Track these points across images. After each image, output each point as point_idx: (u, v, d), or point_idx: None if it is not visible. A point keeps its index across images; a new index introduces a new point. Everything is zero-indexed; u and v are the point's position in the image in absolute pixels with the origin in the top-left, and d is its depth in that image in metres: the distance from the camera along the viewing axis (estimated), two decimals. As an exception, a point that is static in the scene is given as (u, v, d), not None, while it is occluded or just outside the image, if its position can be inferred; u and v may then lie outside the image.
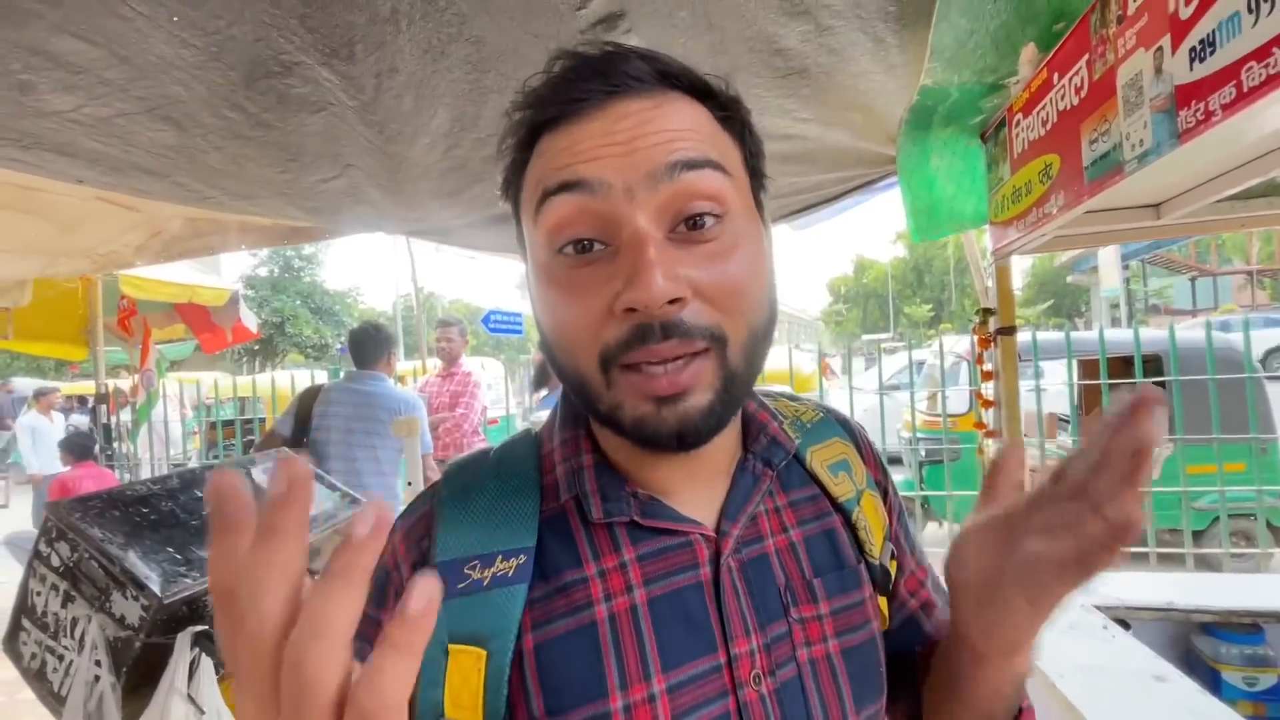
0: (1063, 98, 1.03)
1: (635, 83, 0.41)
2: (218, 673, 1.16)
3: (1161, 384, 3.52)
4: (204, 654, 1.14)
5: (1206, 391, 3.38)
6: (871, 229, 37.43)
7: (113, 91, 1.09)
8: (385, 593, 0.45)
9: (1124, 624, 1.25)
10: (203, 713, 1.11)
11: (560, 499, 0.46)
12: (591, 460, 0.46)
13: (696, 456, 0.45)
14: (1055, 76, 1.06)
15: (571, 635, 0.42)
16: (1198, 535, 3.80)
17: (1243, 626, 1.23)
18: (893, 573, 0.55)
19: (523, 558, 0.43)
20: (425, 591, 0.22)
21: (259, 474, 1.63)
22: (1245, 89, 0.64)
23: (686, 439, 0.40)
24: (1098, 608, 1.28)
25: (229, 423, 4.89)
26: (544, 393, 3.18)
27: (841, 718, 0.45)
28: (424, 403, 3.57)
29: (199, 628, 1.16)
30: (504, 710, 0.41)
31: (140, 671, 1.14)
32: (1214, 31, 0.68)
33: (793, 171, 1.94)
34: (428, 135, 1.37)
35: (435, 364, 4.03)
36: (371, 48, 1.02)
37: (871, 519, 0.53)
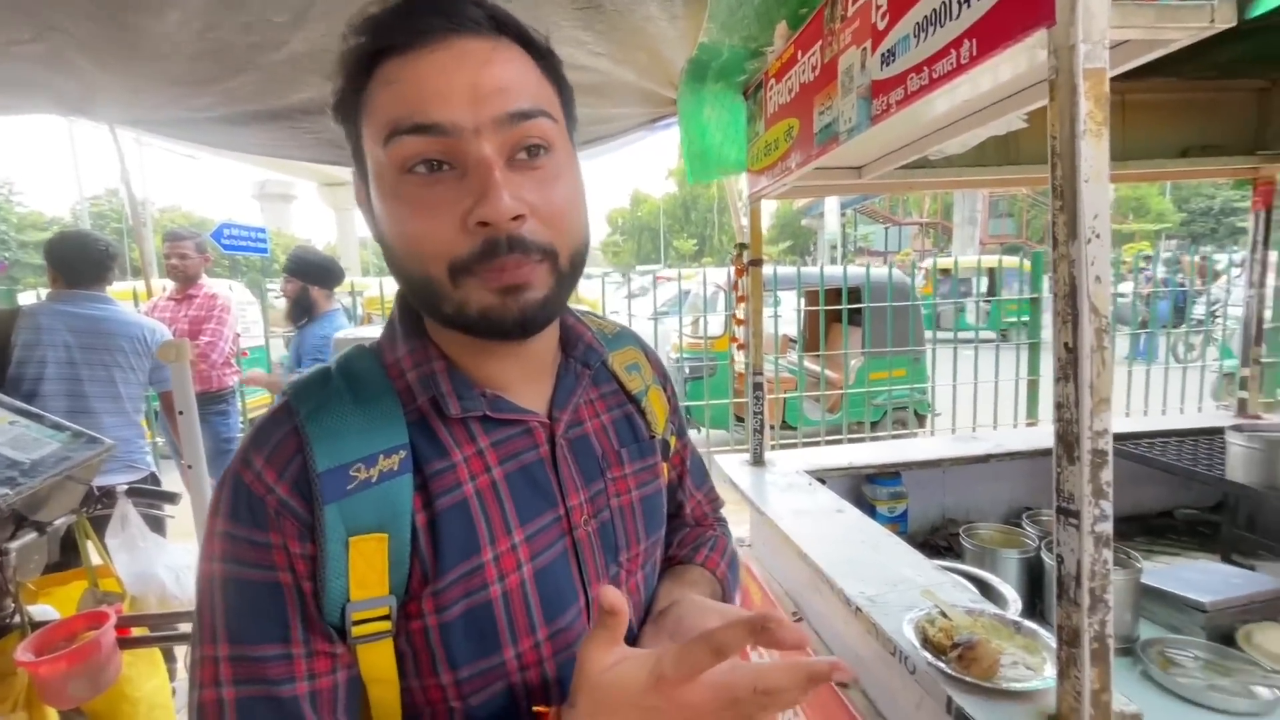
0: (803, 72, 1.29)
1: (473, 24, 0.47)
2: None
3: (859, 309, 4.49)
4: None
5: (886, 315, 4.42)
6: (646, 165, 38.95)
7: None
8: (262, 515, 0.47)
9: (823, 480, 1.70)
10: None
11: (417, 400, 0.53)
12: (444, 365, 0.54)
13: (529, 356, 0.58)
14: (799, 53, 1.31)
15: (449, 511, 0.51)
16: (874, 424, 5.03)
17: (889, 474, 1.76)
18: (673, 446, 0.76)
19: (402, 453, 0.50)
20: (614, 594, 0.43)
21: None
22: (909, 91, 0.92)
23: (527, 326, 0.49)
24: (807, 471, 1.72)
25: None
26: (304, 322, 2.89)
27: (638, 543, 0.64)
28: None
29: None
30: (405, 579, 0.49)
31: None
32: (896, 44, 0.95)
33: (585, 103, 2.02)
34: (179, 8, 1.16)
35: (164, 286, 3.37)
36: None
37: (656, 406, 0.72)
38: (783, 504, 1.50)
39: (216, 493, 0.50)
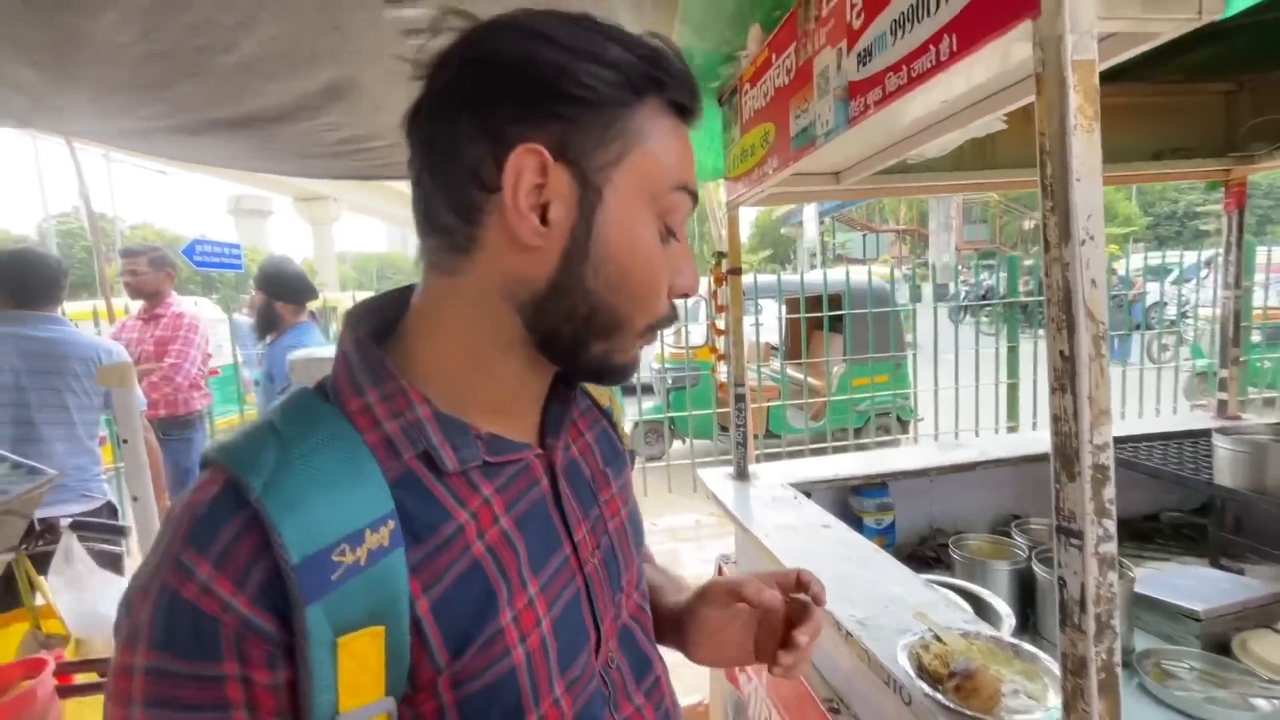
0: (778, 76, 1.26)
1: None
2: None
3: (839, 316, 4.49)
4: None
5: (867, 321, 4.42)
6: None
7: None
8: (214, 643, 0.37)
9: (808, 493, 1.65)
10: None
11: (401, 456, 0.45)
12: (429, 411, 0.46)
13: (542, 376, 0.54)
14: (774, 56, 1.27)
15: (461, 579, 0.44)
16: (858, 430, 5.02)
17: (875, 485, 1.72)
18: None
19: (391, 523, 0.42)
20: None
21: None
22: (888, 91, 0.88)
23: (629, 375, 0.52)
24: (791, 484, 1.67)
25: None
26: (269, 338, 2.77)
27: (633, 562, 0.61)
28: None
29: None
30: (406, 675, 0.42)
31: None
32: (873, 43, 0.92)
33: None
34: (116, 9, 1.10)
35: (127, 305, 3.24)
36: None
37: (619, 416, 0.70)
38: (768, 519, 1.45)
39: (133, 612, 0.39)
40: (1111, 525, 0.61)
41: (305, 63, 1.41)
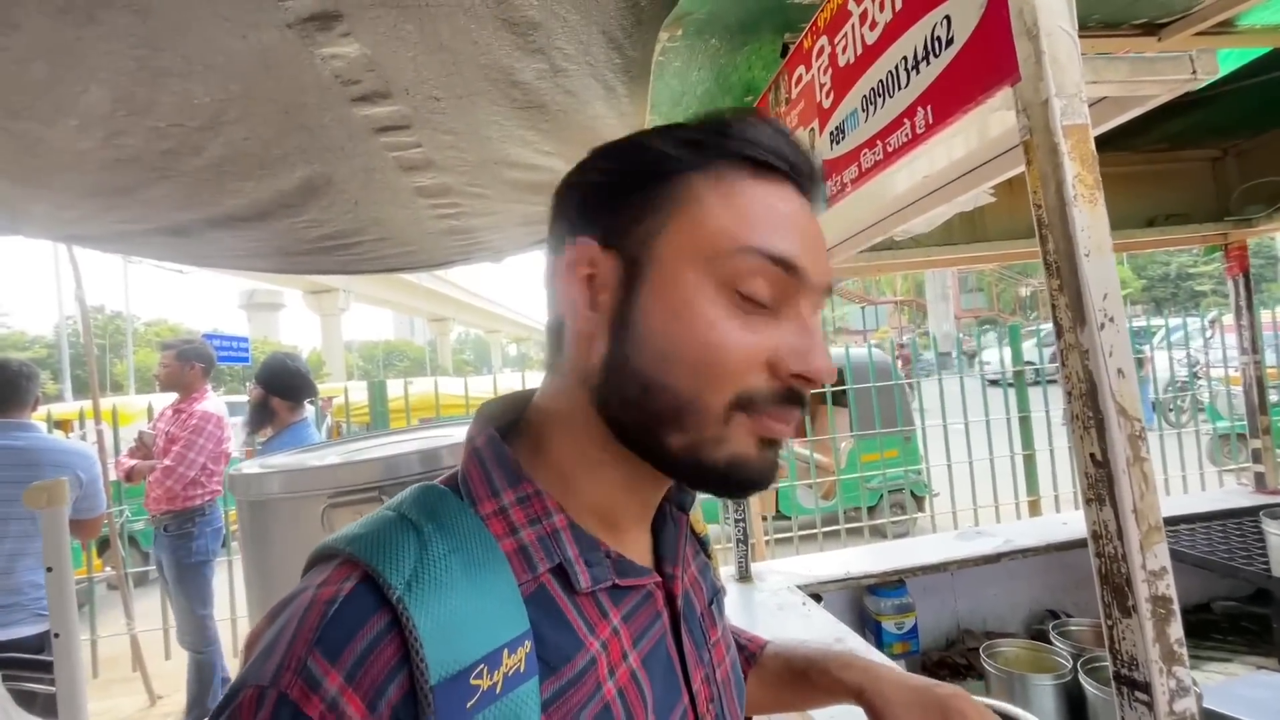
0: (754, 158, 1.23)
1: (818, 199, 0.47)
2: None
3: (843, 391, 4.39)
4: None
5: (870, 396, 4.31)
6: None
7: None
8: None
9: (817, 597, 1.49)
10: None
11: (536, 570, 0.40)
12: (565, 520, 0.42)
13: (657, 498, 0.48)
14: (748, 140, 1.25)
15: None
16: (872, 509, 4.79)
17: (891, 583, 1.56)
18: None
19: (527, 644, 0.36)
20: None
21: None
22: (864, 168, 0.83)
23: (763, 484, 0.42)
24: (800, 588, 1.52)
25: None
26: (268, 432, 2.71)
27: (738, 716, 0.52)
28: (150, 440, 2.84)
29: None
30: None
31: None
32: (844, 120, 0.87)
33: (539, 202, 1.97)
34: (76, 116, 1.08)
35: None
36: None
37: (714, 551, 0.62)
38: (774, 633, 1.28)
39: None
40: (1185, 674, 0.49)
41: (276, 162, 1.40)
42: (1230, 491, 2.12)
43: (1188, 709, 0.48)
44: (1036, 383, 4.39)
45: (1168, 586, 0.49)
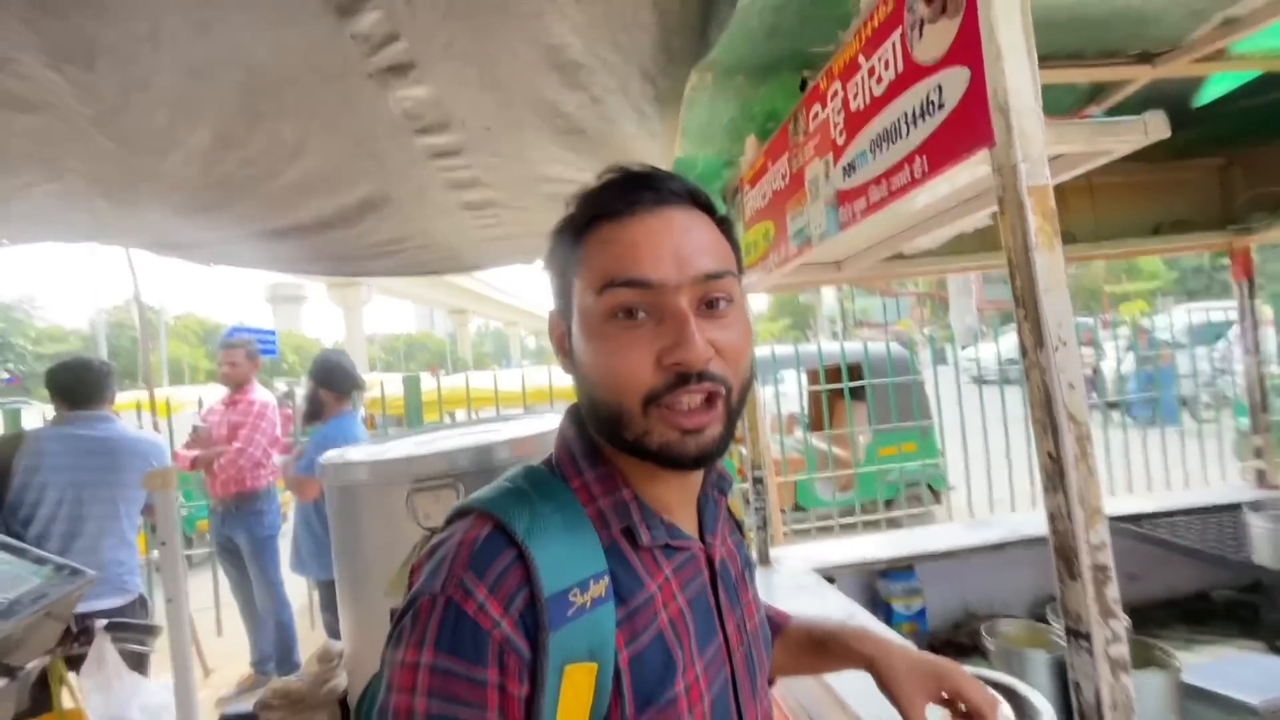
0: (775, 180, 1.35)
1: (674, 197, 0.55)
2: None
3: (861, 385, 4.48)
4: None
5: (888, 390, 4.39)
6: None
7: None
8: (484, 651, 0.45)
9: (831, 580, 1.62)
10: None
11: (610, 528, 0.54)
12: (632, 494, 0.56)
13: (690, 483, 0.60)
14: (769, 162, 1.37)
15: (651, 643, 0.52)
16: (889, 503, 4.88)
17: (901, 568, 1.68)
18: None
19: (606, 579, 0.50)
20: None
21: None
22: (871, 201, 0.95)
23: (702, 460, 0.53)
24: (816, 570, 1.64)
25: None
26: (317, 425, 2.93)
27: (764, 669, 0.66)
28: (205, 434, 3.08)
29: None
30: (604, 713, 0.48)
31: None
32: (856, 158, 0.99)
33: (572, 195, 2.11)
34: (182, 150, 1.24)
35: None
36: (120, 61, 0.92)
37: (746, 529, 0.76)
38: (791, 610, 1.42)
39: (421, 619, 0.47)
40: (1119, 625, 0.61)
41: (344, 183, 1.56)
42: (1232, 487, 2.20)
43: (1120, 654, 0.61)
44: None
45: (1106, 557, 0.61)
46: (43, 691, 1.47)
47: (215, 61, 0.98)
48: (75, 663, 1.51)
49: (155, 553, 3.26)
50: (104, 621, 1.50)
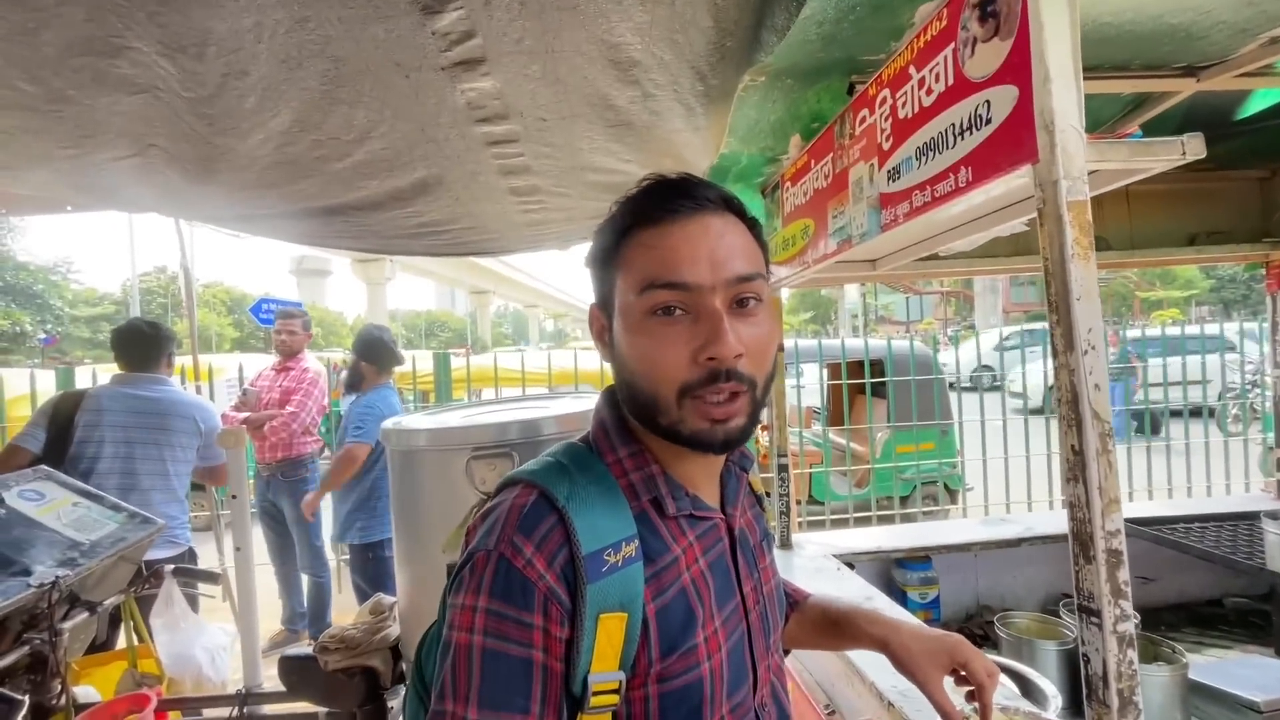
0: (817, 179, 1.40)
1: (710, 204, 0.61)
2: None
3: (883, 382, 4.50)
4: None
5: (909, 389, 4.41)
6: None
7: None
8: (531, 599, 0.53)
9: (850, 565, 1.69)
10: None
11: (640, 499, 0.62)
12: (659, 470, 0.63)
13: (713, 462, 0.67)
14: (812, 161, 1.42)
15: (675, 598, 0.59)
16: (904, 499, 4.91)
17: (918, 558, 1.75)
18: None
19: (635, 542, 0.58)
20: None
21: (16, 498, 1.41)
22: (914, 205, 1.01)
23: (728, 446, 0.60)
24: (835, 555, 1.71)
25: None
26: (354, 397, 3.09)
27: (778, 626, 0.73)
28: (254, 397, 3.21)
29: None
30: (633, 658, 0.57)
31: None
32: (901, 163, 1.05)
33: (612, 200, 2.17)
34: (263, 131, 1.33)
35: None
36: (225, 51, 1.00)
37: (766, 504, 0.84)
38: (811, 590, 1.49)
39: (477, 570, 0.55)
40: (1128, 606, 0.68)
41: (402, 165, 1.64)
42: (1252, 497, 2.21)
43: (1127, 630, 0.67)
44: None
45: (1120, 543, 0.67)
46: (113, 628, 1.59)
47: (306, 52, 1.06)
48: (143, 605, 1.63)
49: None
50: (171, 566, 1.62)
